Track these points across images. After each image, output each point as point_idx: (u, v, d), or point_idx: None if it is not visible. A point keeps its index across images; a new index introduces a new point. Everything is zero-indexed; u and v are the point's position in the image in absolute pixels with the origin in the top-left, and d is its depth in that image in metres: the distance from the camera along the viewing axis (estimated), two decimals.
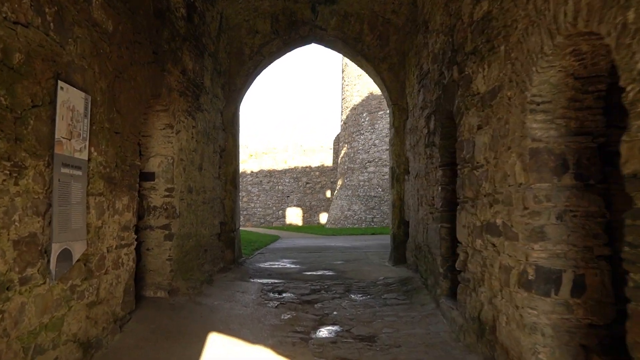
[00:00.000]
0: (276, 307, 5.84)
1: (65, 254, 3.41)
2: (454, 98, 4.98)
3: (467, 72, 4.52)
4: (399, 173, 8.98)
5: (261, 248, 12.65)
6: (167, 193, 6.01)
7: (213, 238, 8.09)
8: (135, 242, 4.84)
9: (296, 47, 9.59)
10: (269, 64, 9.52)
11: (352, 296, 6.48)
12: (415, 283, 6.73)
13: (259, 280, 7.46)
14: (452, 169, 5.67)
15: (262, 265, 9.25)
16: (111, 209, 4.26)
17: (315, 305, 6.01)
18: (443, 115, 5.58)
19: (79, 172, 3.62)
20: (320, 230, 24.67)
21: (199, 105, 7.20)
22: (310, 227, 31.10)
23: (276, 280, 7.46)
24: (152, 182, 5.99)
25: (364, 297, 6.40)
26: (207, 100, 7.64)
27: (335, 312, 5.64)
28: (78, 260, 3.66)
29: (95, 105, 3.94)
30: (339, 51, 9.68)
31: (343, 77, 31.62)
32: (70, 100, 3.50)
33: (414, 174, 8.09)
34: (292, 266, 9.12)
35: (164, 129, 6.01)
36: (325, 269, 8.62)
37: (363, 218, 27.08)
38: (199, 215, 7.17)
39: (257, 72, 9.35)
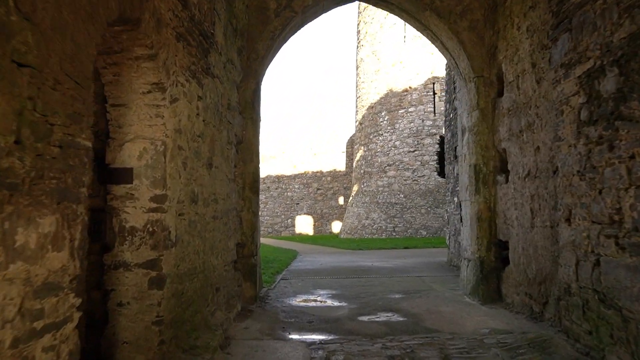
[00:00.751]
0: None
1: None
2: None
3: None
4: (487, 173, 6.40)
5: (282, 270, 10.05)
6: (155, 204, 3.43)
7: (227, 268, 5.52)
8: (78, 313, 2.25)
9: (339, 5, 7.06)
10: (302, 25, 6.98)
11: None
12: (562, 349, 4.12)
13: (299, 337, 4.87)
14: None
15: (293, 302, 6.65)
16: None
17: None
18: None
19: None
20: (337, 241, 22.09)
21: (208, 66, 4.65)
22: (323, 237, 28.53)
23: (325, 337, 4.87)
24: (128, 186, 3.42)
25: None
26: (218, 63, 5.08)
27: None
28: None
29: None
30: (394, 10, 7.12)
31: (358, 74, 29.13)
32: None
33: (521, 173, 5.51)
34: (337, 303, 6.53)
35: (149, 92, 3.44)
36: (386, 310, 6.02)
37: (383, 228, 24.49)
38: (207, 238, 4.59)
39: (285, 36, 6.81)
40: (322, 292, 7.50)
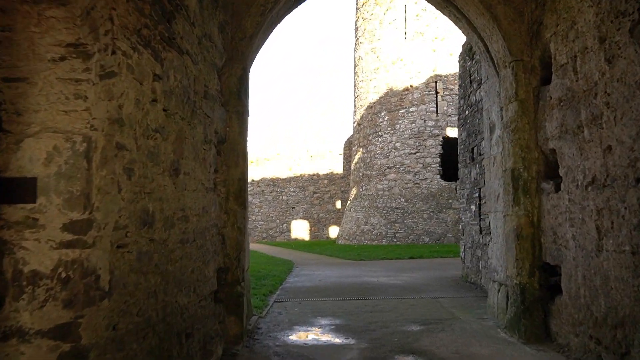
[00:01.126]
0: None
1: None
2: None
3: None
4: (528, 179, 5.18)
5: (276, 289, 8.80)
6: (72, 236, 2.19)
7: (204, 303, 4.27)
8: None
9: None
10: (300, 1, 5.77)
11: None
12: None
13: None
14: None
15: (289, 338, 5.41)
16: None
17: None
18: None
19: None
20: (334, 248, 20.87)
21: (172, 35, 3.41)
22: (319, 243, 27.33)
23: None
24: (29, 207, 2.17)
25: None
26: (189, 35, 3.84)
27: None
28: None
29: None
30: None
31: (356, 72, 27.95)
32: None
33: (581, 180, 4.30)
34: (342, 340, 5.29)
35: (62, 58, 2.20)
36: (405, 352, 4.79)
37: (383, 233, 23.29)
38: (171, 272, 3.35)
39: (279, 12, 5.59)
40: (323, 321, 6.25)
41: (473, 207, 8.99)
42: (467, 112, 9.49)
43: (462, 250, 9.82)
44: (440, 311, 6.69)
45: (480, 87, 8.62)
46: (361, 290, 8.67)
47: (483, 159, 8.39)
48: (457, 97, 23.57)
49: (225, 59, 5.11)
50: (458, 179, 22.75)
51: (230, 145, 5.18)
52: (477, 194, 8.71)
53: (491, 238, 7.77)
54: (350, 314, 6.61)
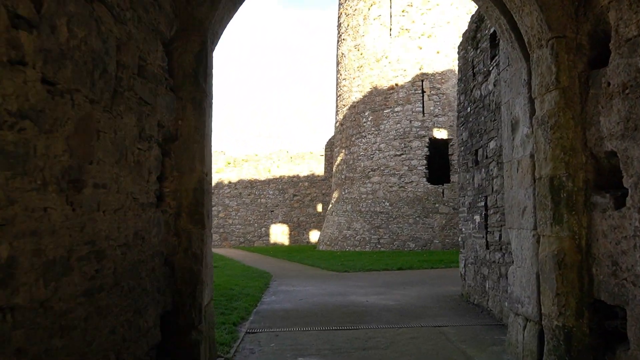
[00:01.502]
0: None
1: None
2: None
3: None
4: (574, 190, 4.00)
5: (250, 314, 7.47)
6: None
7: None
8: None
9: None
10: None
11: None
12: None
13: None
14: None
15: None
16: None
17: None
18: None
19: None
20: (316, 256, 19.63)
21: None
22: (300, 248, 26.07)
23: None
24: None
25: None
26: None
27: None
28: None
29: None
30: None
31: (338, 70, 26.75)
32: None
33: None
34: None
35: None
36: None
37: (367, 239, 22.15)
38: (57, 351, 2.03)
39: None
40: None
41: (477, 217, 7.85)
42: (469, 109, 8.35)
43: (462, 265, 8.68)
44: (447, 348, 5.48)
45: (487, 80, 7.49)
46: (349, 314, 7.42)
47: (491, 162, 7.26)
48: (444, 97, 22.65)
49: (176, 29, 3.81)
50: (445, 182, 21.64)
51: (184, 143, 3.88)
52: (482, 203, 7.57)
53: (503, 254, 6.65)
54: (338, 353, 5.36)
